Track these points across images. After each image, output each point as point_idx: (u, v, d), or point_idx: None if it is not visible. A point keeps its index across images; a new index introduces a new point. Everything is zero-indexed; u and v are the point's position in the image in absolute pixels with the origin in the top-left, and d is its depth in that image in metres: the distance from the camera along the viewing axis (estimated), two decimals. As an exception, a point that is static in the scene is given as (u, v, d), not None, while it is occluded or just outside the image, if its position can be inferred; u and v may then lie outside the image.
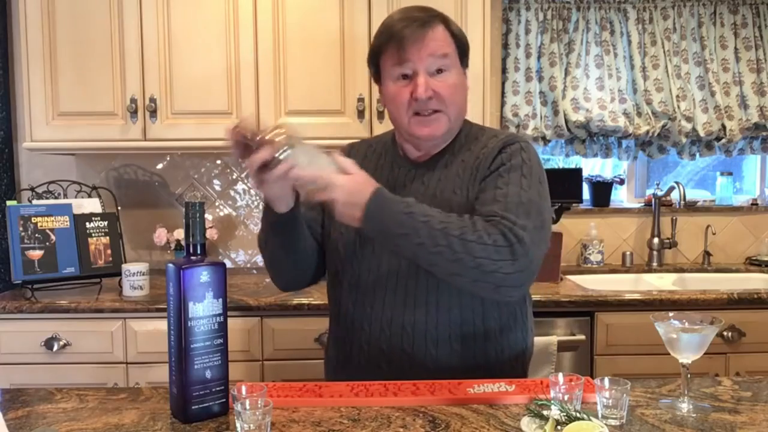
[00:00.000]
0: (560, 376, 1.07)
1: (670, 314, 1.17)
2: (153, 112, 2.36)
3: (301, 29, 2.36)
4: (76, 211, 2.34)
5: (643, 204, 2.95)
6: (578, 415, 0.98)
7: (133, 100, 2.34)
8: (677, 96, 2.76)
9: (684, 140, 2.78)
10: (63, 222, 2.30)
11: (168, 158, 2.77)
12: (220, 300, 1.08)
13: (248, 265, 2.81)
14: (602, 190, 2.90)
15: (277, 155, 1.11)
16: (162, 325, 2.08)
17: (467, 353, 1.31)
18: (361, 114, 2.36)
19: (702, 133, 2.76)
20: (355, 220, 1.19)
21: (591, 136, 2.82)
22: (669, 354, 1.16)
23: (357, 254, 1.35)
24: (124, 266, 2.23)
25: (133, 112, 2.35)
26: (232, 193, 2.79)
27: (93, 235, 2.34)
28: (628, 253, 2.83)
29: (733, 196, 2.96)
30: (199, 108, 2.38)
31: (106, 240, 2.36)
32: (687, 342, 1.12)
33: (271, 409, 1.00)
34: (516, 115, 2.76)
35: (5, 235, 2.41)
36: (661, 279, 2.68)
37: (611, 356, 2.17)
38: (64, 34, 2.35)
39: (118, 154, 2.69)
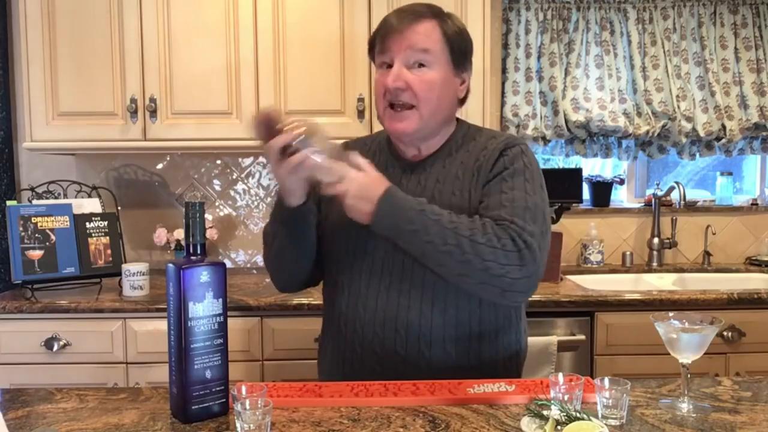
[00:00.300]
0: (560, 376, 1.06)
1: (670, 314, 1.17)
2: (153, 112, 2.36)
3: (301, 29, 2.36)
4: (76, 211, 2.34)
5: (643, 204, 2.95)
6: (578, 415, 0.98)
7: (133, 100, 2.34)
8: (677, 96, 2.76)
9: (684, 140, 2.78)
10: (63, 222, 2.30)
11: (168, 158, 2.77)
12: (220, 300, 1.08)
13: (248, 265, 2.81)
14: (602, 190, 2.90)
15: (295, 143, 1.17)
16: (162, 325, 2.08)
17: (461, 355, 1.31)
18: (361, 114, 2.37)
19: (702, 133, 2.76)
20: (365, 215, 1.21)
21: (591, 136, 2.82)
22: (669, 354, 1.16)
23: (351, 256, 1.36)
24: (124, 266, 2.23)
25: (133, 112, 2.35)
26: (232, 193, 2.79)
27: (93, 235, 2.34)
28: (628, 253, 2.83)
29: (733, 196, 2.96)
30: (199, 108, 2.38)
31: (106, 240, 2.36)
32: (687, 342, 1.12)
33: (271, 409, 1.00)
34: (516, 115, 2.76)
35: (5, 235, 2.41)
36: (661, 279, 2.68)
37: (611, 356, 2.17)
38: (64, 34, 2.35)
39: (118, 154, 2.69)
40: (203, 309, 1.06)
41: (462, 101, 1.42)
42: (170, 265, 1.07)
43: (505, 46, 2.80)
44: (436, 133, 1.38)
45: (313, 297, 2.11)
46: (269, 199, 2.78)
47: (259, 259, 2.77)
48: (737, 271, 2.76)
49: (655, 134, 2.77)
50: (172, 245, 2.61)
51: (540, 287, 2.26)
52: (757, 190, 3.05)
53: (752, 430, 1.04)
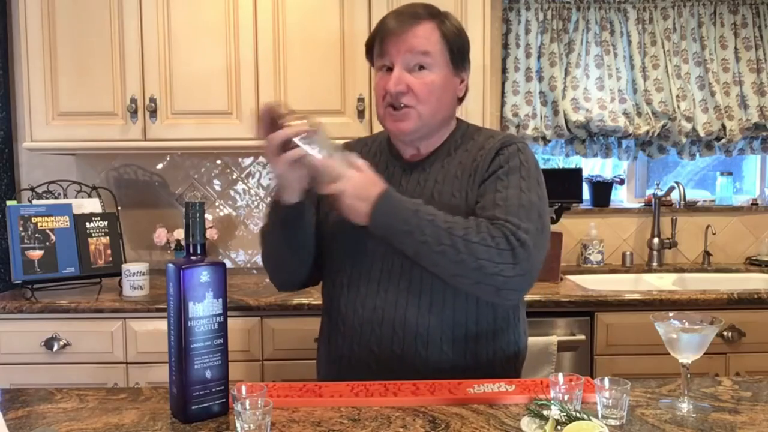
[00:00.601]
0: (560, 376, 1.06)
1: (670, 314, 1.17)
2: (153, 112, 2.36)
3: (301, 29, 2.36)
4: (76, 211, 2.34)
5: (643, 204, 2.95)
6: (578, 415, 0.98)
7: (133, 100, 2.34)
8: (677, 96, 2.76)
9: (684, 140, 2.78)
10: (63, 222, 2.30)
11: (168, 158, 2.77)
12: (220, 300, 1.08)
13: (248, 265, 2.81)
14: (602, 190, 2.91)
15: (296, 139, 1.18)
16: (162, 325, 2.08)
17: (458, 355, 1.31)
18: (361, 114, 2.37)
19: (702, 133, 2.76)
20: (361, 215, 1.21)
21: (591, 136, 2.82)
22: (669, 354, 1.16)
23: (351, 256, 1.36)
24: (124, 266, 2.23)
25: (133, 112, 2.35)
26: (232, 193, 2.79)
27: (93, 235, 2.34)
28: (628, 253, 2.83)
29: (733, 196, 2.96)
30: (199, 108, 2.38)
31: (106, 240, 2.36)
32: (687, 342, 1.12)
33: (271, 409, 1.00)
34: (516, 115, 2.76)
35: (5, 235, 2.41)
36: (661, 279, 2.68)
37: (611, 356, 2.17)
38: (64, 34, 2.35)
39: (118, 154, 2.69)
40: (203, 309, 1.06)
41: (461, 100, 1.42)
42: (170, 265, 1.07)
43: (505, 46, 2.80)
44: (435, 132, 1.38)
45: (313, 297, 2.11)
46: (269, 199, 2.78)
47: (259, 259, 2.76)
48: (737, 271, 2.76)
49: (655, 134, 2.77)
50: (172, 245, 2.61)
51: (540, 287, 2.28)
52: (757, 190, 3.05)
53: (752, 430, 1.04)
